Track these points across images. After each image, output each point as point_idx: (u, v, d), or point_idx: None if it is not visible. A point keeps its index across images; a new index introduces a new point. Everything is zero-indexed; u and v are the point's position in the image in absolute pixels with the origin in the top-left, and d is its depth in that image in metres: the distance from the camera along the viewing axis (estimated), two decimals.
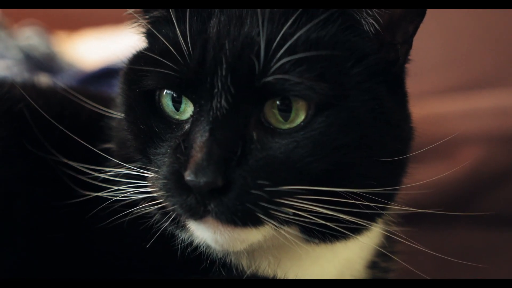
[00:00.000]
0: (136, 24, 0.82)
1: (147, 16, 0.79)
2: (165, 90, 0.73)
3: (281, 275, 0.73)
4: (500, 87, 1.51)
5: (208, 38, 0.69)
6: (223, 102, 0.67)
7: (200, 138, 0.66)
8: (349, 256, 0.80)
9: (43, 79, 1.17)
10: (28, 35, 1.93)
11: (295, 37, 0.66)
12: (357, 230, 0.73)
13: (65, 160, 0.76)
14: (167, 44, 0.70)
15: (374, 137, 0.71)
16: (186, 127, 0.71)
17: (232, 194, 0.65)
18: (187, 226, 0.73)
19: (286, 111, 0.68)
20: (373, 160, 0.71)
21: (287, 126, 0.68)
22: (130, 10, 0.80)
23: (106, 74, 1.55)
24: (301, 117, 0.68)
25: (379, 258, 0.85)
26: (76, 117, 0.84)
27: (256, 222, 0.67)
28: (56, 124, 0.78)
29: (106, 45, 2.06)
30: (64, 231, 0.77)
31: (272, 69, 0.66)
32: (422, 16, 0.74)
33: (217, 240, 0.69)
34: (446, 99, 1.43)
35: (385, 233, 0.80)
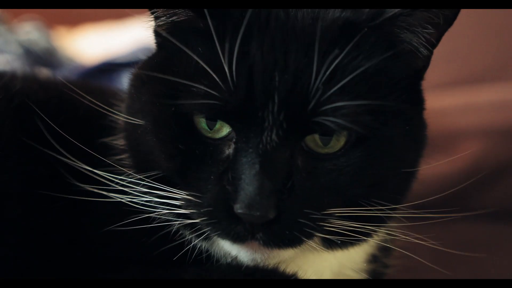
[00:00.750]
0: (150, 24, 0.76)
1: (163, 18, 0.73)
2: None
3: (283, 266, 0.73)
4: (501, 81, 1.51)
5: (253, 64, 0.66)
6: (273, 136, 0.66)
7: (250, 171, 0.65)
8: (352, 251, 0.80)
9: (44, 72, 1.17)
10: (28, 30, 1.93)
11: (348, 79, 0.66)
12: (371, 235, 0.76)
13: (74, 160, 0.74)
14: (203, 65, 0.66)
15: (403, 155, 0.74)
16: (227, 151, 0.69)
17: (281, 225, 0.67)
18: (217, 242, 0.74)
19: (326, 134, 0.69)
20: (399, 175, 0.74)
21: (325, 151, 0.69)
22: (157, 10, 0.73)
23: (106, 68, 1.55)
24: (341, 143, 0.69)
25: (380, 253, 0.85)
26: (75, 110, 0.83)
27: (298, 244, 0.69)
28: (51, 123, 0.77)
29: (106, 40, 2.07)
30: (63, 230, 0.76)
31: (324, 108, 0.66)
32: (448, 24, 0.72)
33: (255, 259, 0.71)
34: (447, 93, 1.43)
35: (387, 231, 0.80)
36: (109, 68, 1.51)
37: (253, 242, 0.68)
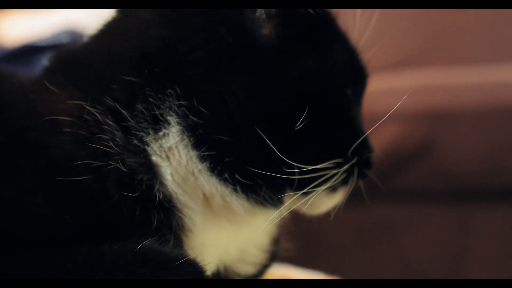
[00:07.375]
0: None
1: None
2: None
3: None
4: (421, 67, 1.57)
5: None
6: None
7: (361, 121, 0.81)
8: (258, 233, 0.80)
9: None
10: None
11: None
12: None
13: None
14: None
15: None
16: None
17: None
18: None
19: None
20: None
21: None
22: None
23: (28, 51, 1.50)
24: None
25: (281, 238, 0.87)
26: None
27: None
28: None
29: (30, 23, 2.01)
30: None
31: None
32: None
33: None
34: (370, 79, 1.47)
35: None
36: (30, 51, 1.47)
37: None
